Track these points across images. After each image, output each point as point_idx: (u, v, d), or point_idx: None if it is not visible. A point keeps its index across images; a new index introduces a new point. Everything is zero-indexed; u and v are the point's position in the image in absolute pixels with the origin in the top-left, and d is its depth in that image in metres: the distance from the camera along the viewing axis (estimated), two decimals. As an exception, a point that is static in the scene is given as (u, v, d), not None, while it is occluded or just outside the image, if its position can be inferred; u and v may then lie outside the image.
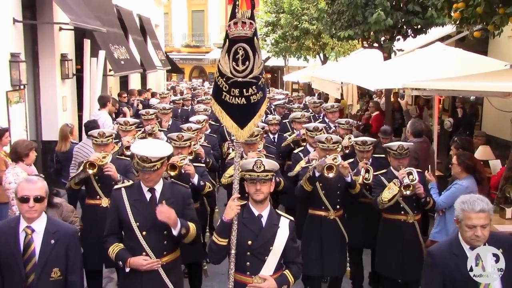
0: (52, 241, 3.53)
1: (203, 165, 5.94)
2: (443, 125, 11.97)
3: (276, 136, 8.18)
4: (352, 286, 6.23)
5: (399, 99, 10.82)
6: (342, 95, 12.73)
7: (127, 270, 3.88)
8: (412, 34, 10.51)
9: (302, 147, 6.88)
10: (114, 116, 10.46)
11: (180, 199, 4.03)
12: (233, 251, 3.68)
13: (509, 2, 5.76)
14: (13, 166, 5.39)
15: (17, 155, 5.45)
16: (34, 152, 5.70)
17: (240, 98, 3.70)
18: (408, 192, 4.97)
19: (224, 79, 3.69)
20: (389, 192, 5.09)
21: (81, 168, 5.21)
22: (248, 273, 3.70)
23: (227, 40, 3.69)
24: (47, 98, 9.82)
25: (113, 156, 5.50)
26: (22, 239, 3.51)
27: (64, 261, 3.61)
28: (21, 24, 8.41)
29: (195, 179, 5.34)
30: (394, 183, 5.10)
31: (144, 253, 3.85)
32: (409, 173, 5.08)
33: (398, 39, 10.74)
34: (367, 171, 5.74)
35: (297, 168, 6.20)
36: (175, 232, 3.93)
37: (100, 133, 5.56)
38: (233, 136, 7.43)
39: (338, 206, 5.40)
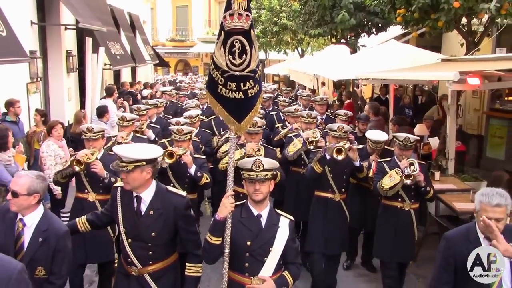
0: (40, 239, 3.50)
1: (203, 157, 5.92)
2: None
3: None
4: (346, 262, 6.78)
5: (354, 88, 12.24)
6: (315, 86, 14.16)
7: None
8: (374, 32, 12.10)
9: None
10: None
11: (171, 210, 3.69)
12: (226, 250, 3.53)
13: (437, 9, 7.31)
14: (47, 140, 6.83)
15: (54, 129, 6.89)
16: (56, 129, 6.92)
17: (237, 92, 3.54)
18: (408, 182, 5.15)
19: (220, 72, 3.53)
20: (390, 180, 5.23)
21: (68, 163, 5.19)
22: (246, 274, 3.57)
23: (223, 32, 3.50)
24: (55, 89, 11.19)
25: (105, 151, 5.45)
26: (16, 229, 3.54)
27: (49, 262, 3.51)
28: (36, 25, 9.78)
29: (192, 170, 5.42)
30: (396, 172, 5.24)
31: (129, 259, 3.71)
32: (411, 164, 5.19)
33: (363, 36, 12.33)
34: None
35: (291, 148, 6.45)
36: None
37: (89, 128, 5.39)
38: (222, 131, 7.82)
39: (343, 190, 5.70)
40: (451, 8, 6.95)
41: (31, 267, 3.39)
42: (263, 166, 3.52)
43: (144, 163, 3.57)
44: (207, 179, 5.52)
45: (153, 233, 3.65)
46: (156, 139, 7.22)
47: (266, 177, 3.53)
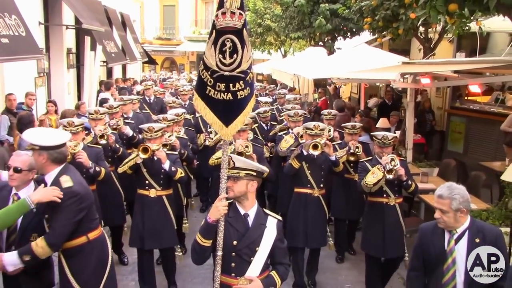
0: (34, 210, 3.76)
1: (176, 153, 5.93)
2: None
3: (268, 125, 8.47)
4: (336, 255, 6.98)
5: (327, 86, 13.38)
6: (295, 84, 15.30)
7: None
8: (349, 36, 13.33)
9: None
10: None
11: None
12: (219, 253, 3.45)
13: (397, 19, 8.51)
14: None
15: (66, 118, 7.82)
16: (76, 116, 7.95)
17: (226, 94, 3.41)
18: (391, 176, 5.29)
19: (209, 72, 3.40)
20: (373, 177, 5.34)
21: None
22: (233, 274, 3.49)
23: (214, 31, 3.36)
24: (57, 83, 12.23)
25: (85, 145, 5.59)
26: (10, 203, 3.82)
27: (42, 228, 3.85)
28: (43, 25, 10.78)
29: (166, 165, 5.40)
30: (378, 168, 5.36)
31: None
32: (392, 160, 5.33)
33: (339, 39, 13.56)
34: (357, 146, 6.35)
35: (284, 144, 6.62)
36: None
37: (70, 122, 5.55)
38: (209, 127, 7.49)
39: (321, 185, 5.90)
40: (408, 18, 8.15)
41: (26, 235, 3.84)
42: (234, 164, 3.45)
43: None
44: (181, 173, 5.51)
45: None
46: (135, 134, 7.26)
47: (238, 175, 3.44)
